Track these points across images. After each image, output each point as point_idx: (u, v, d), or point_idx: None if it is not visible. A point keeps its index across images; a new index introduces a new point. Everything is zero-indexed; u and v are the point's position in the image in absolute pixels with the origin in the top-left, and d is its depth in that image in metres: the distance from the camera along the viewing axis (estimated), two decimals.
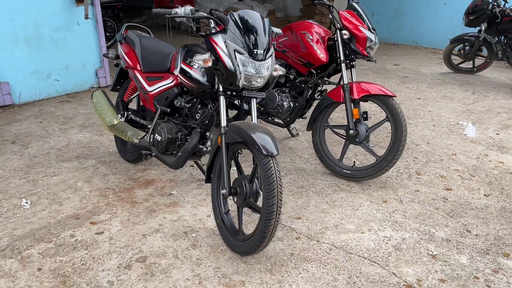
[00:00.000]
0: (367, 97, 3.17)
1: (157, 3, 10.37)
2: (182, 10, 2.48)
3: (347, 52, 3.27)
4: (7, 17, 4.59)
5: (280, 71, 2.61)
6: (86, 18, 5.08)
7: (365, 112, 3.28)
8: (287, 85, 3.63)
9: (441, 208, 2.88)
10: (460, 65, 6.55)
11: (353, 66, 3.37)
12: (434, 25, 8.33)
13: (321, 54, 3.30)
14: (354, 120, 3.20)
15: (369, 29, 3.22)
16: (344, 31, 3.19)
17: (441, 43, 7.95)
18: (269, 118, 3.76)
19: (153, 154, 2.89)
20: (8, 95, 4.74)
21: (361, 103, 3.28)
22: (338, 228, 2.64)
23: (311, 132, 3.44)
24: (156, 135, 2.82)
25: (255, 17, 2.41)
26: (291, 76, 3.58)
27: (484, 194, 3.07)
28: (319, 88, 3.65)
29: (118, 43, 3.33)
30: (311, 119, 3.39)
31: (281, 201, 2.15)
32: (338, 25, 3.25)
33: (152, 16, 11.19)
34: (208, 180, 2.58)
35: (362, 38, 3.18)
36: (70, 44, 5.17)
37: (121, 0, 7.67)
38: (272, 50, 2.43)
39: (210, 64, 2.37)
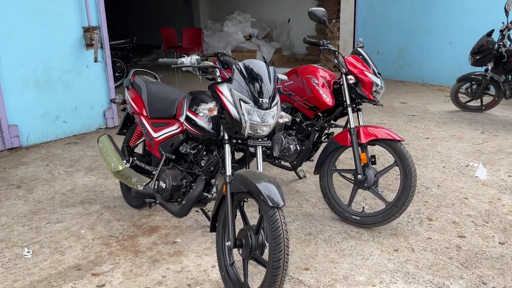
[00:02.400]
0: (375, 142, 3.13)
1: (166, 42, 10.59)
2: (188, 60, 2.49)
3: (353, 96, 3.26)
4: (19, 62, 4.68)
5: (286, 118, 2.59)
6: (96, 61, 5.17)
7: (373, 156, 3.23)
8: (294, 127, 3.61)
9: (454, 258, 2.77)
10: (468, 104, 6.52)
11: (359, 109, 3.35)
12: (440, 63, 8.37)
13: (327, 98, 3.29)
14: (362, 164, 3.14)
15: (375, 74, 3.22)
16: (349, 76, 3.18)
17: (448, 80, 7.97)
18: (276, 161, 3.72)
19: (158, 201, 2.84)
20: (16, 137, 4.77)
21: (368, 146, 3.24)
22: (348, 280, 2.53)
23: (318, 176, 3.38)
24: (161, 182, 2.79)
25: (260, 66, 2.41)
26: (298, 119, 3.56)
27: (499, 242, 2.96)
28: (326, 131, 3.62)
29: (125, 89, 3.35)
30: (318, 162, 3.34)
31: (288, 255, 2.08)
32: (344, 70, 3.25)
33: (163, 55, 11.41)
34: (213, 229, 2.51)
35: (368, 83, 3.17)
36: (79, 86, 5.24)
37: (130, 41, 7.84)
38: (277, 98, 2.42)
39: (215, 113, 2.35)
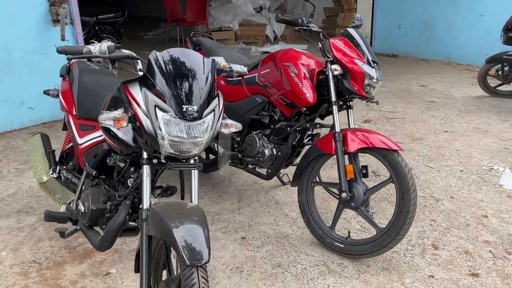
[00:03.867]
0: (366, 150, 2.44)
1: (170, 15, 9.88)
2: (97, 48, 1.84)
3: (340, 90, 2.55)
4: None
5: (233, 127, 1.92)
6: (63, 39, 4.56)
7: (364, 167, 2.54)
8: (272, 126, 2.93)
9: None
10: (498, 88, 5.63)
11: (349, 107, 2.63)
12: (469, 39, 7.39)
13: (308, 93, 2.58)
14: (348, 179, 2.46)
15: (369, 63, 2.48)
16: (334, 66, 2.46)
17: (477, 59, 7.02)
18: (249, 167, 3.06)
19: (78, 227, 2.25)
20: None
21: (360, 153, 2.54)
22: None
23: (296, 189, 2.72)
24: (80, 203, 2.19)
25: (190, 57, 1.74)
26: (276, 117, 2.87)
27: None
28: (310, 132, 2.93)
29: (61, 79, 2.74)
30: (297, 172, 2.67)
31: None
32: (329, 57, 2.53)
33: (168, 29, 10.72)
34: (137, 270, 1.91)
35: (359, 74, 2.45)
36: (47, 68, 4.66)
37: (121, 15, 7.17)
38: (215, 103, 1.75)
39: (125, 124, 1.71)
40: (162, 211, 1.64)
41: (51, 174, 2.56)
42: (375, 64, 2.51)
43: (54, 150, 2.67)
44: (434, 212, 3.00)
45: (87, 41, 6.98)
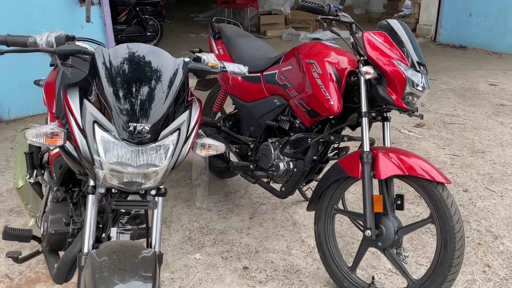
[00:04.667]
0: (401, 178, 1.90)
1: None
2: (44, 40, 1.44)
3: (375, 98, 2.00)
4: None
5: (213, 149, 1.46)
6: (88, 21, 4.27)
7: (400, 197, 1.99)
8: (291, 134, 2.43)
9: None
10: None
11: (386, 119, 2.07)
12: None
13: (332, 100, 2.05)
14: (376, 213, 1.93)
15: (413, 65, 1.91)
16: (366, 68, 1.91)
17: None
18: (263, 180, 2.59)
19: (41, 249, 1.90)
20: None
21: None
22: None
23: (313, 215, 2.22)
24: (40, 225, 1.84)
25: (152, 58, 1.31)
26: (296, 124, 2.37)
27: None
28: (336, 145, 2.40)
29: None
30: (314, 195, 2.18)
31: None
32: (362, 56, 1.98)
33: (218, 11, 10.33)
34: None
35: (398, 80, 1.88)
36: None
37: None
38: (182, 118, 1.31)
39: (60, 142, 1.31)
40: (99, 262, 1.23)
41: (28, 179, 2.24)
42: (422, 68, 1.93)
43: (33, 152, 2.35)
44: (490, 253, 2.38)
45: (127, 23, 6.76)
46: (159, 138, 1.24)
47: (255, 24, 9.02)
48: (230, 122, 2.96)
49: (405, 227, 1.96)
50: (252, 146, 2.59)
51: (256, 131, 2.58)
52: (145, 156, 1.22)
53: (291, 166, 2.34)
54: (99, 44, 2.70)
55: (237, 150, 2.77)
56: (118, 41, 6.69)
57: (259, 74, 2.55)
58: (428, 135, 3.93)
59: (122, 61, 1.26)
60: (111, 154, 1.20)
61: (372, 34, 1.95)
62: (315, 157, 2.32)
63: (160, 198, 1.44)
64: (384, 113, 2.06)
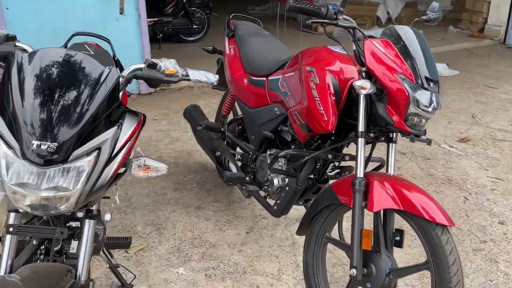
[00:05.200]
0: (398, 212, 1.62)
1: None
2: None
3: (373, 117, 1.72)
4: (31, 9, 4.03)
5: (154, 171, 1.30)
6: (121, 13, 4.25)
7: (400, 232, 1.71)
8: (292, 147, 2.21)
9: None
10: None
11: (391, 140, 1.78)
12: None
13: (325, 115, 1.79)
14: (364, 250, 1.67)
15: (420, 80, 1.60)
16: (360, 82, 1.63)
17: None
18: (260, 193, 2.38)
19: None
20: None
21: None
22: None
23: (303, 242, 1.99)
24: None
25: (71, 66, 1.15)
26: (296, 137, 2.13)
27: None
28: (336, 163, 2.13)
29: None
30: (305, 219, 1.95)
31: None
32: (362, 66, 1.70)
33: (273, 5, 10.10)
34: None
35: (399, 97, 1.59)
36: (104, 44, 4.42)
37: None
38: (105, 136, 1.14)
39: None
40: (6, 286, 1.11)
41: None
42: (432, 85, 1.62)
43: None
44: None
45: (173, 16, 6.74)
46: (69, 159, 1.09)
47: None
48: (240, 127, 2.77)
49: (399, 270, 1.68)
50: (251, 154, 2.40)
51: (257, 140, 2.38)
52: (51, 179, 1.08)
53: (285, 182, 2.12)
54: (106, 41, 2.64)
55: (240, 158, 2.59)
56: (164, 33, 6.71)
57: (264, 79, 2.34)
58: (471, 152, 3.49)
59: (37, 68, 1.12)
60: (11, 174, 1.07)
61: (374, 43, 1.67)
62: (312, 176, 2.08)
63: (91, 221, 1.29)
64: (390, 134, 1.78)
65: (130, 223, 2.59)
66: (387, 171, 1.78)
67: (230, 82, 2.61)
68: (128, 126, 1.21)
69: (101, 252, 1.94)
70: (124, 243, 1.94)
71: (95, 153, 1.12)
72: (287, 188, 2.08)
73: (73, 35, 2.53)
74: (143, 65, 1.38)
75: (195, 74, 1.46)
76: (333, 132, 1.87)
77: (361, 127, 1.71)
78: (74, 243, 1.54)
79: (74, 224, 1.53)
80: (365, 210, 1.67)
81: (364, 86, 1.62)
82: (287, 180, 2.13)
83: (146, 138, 3.71)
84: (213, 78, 1.50)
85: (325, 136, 2.00)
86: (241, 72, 2.52)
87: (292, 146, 2.20)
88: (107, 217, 1.93)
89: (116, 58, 2.54)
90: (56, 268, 1.26)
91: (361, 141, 1.71)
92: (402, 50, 1.64)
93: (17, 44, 1.33)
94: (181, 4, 6.61)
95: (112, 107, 1.16)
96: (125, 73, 1.36)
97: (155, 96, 4.78)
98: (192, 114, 2.89)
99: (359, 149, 1.71)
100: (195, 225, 2.58)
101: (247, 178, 2.33)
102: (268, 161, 2.19)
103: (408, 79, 1.59)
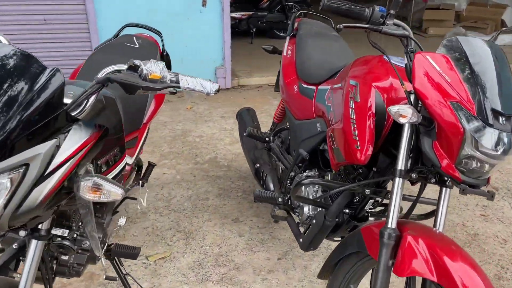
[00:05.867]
0: (431, 283, 1.24)
1: None
2: None
3: (418, 154, 1.33)
4: None
5: (106, 195, 1.10)
6: (204, 5, 4.17)
7: None
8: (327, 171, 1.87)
9: None
10: None
11: (444, 183, 1.36)
12: None
13: (358, 143, 1.44)
14: None
15: (484, 114, 1.16)
16: (397, 108, 1.24)
17: None
18: (291, 216, 2.07)
19: None
20: None
21: None
22: None
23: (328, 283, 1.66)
24: None
25: (7, 65, 0.98)
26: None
27: None
28: (378, 199, 1.74)
29: None
30: (329, 261, 1.61)
31: None
32: (409, 87, 1.31)
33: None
34: None
35: (451, 132, 1.18)
36: (188, 34, 4.40)
37: None
38: (36, 152, 0.97)
39: None
40: None
41: None
42: (503, 120, 1.17)
43: None
44: None
45: (269, 10, 6.56)
46: None
47: (418, 19, 7.90)
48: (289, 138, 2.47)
49: None
50: (292, 174, 2.10)
51: (297, 156, 2.07)
52: None
53: (316, 214, 1.79)
54: (157, 33, 2.53)
55: (281, 175, 2.31)
56: (257, 28, 6.58)
57: (313, 87, 2.03)
58: (507, 209, 2.75)
59: None
60: None
61: (428, 57, 1.26)
62: (347, 210, 1.72)
63: (38, 242, 1.13)
64: (444, 177, 1.36)
65: (162, 226, 2.46)
66: (434, 223, 1.37)
67: (282, 87, 2.33)
68: (74, 140, 1.03)
69: (113, 259, 1.85)
70: (130, 253, 1.81)
71: (21, 170, 0.96)
72: (314, 221, 1.75)
73: (124, 26, 2.46)
74: (125, 67, 1.18)
75: (187, 82, 1.22)
76: (371, 163, 1.51)
77: (400, 164, 1.32)
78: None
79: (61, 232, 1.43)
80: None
81: (404, 114, 1.23)
82: (317, 213, 1.80)
83: (208, 136, 3.59)
84: (210, 87, 1.25)
85: (368, 165, 1.63)
86: (293, 77, 2.23)
87: (333, 171, 1.86)
88: (121, 221, 1.81)
89: (165, 53, 2.41)
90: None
91: (398, 181, 1.33)
92: (465, 70, 1.22)
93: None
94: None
95: (52, 115, 0.98)
96: (101, 74, 1.18)
97: (231, 92, 4.65)
98: (243, 118, 2.67)
99: (394, 191, 1.33)
100: (226, 240, 2.36)
101: (280, 199, 2.03)
102: (306, 185, 1.88)
103: (465, 109, 1.17)
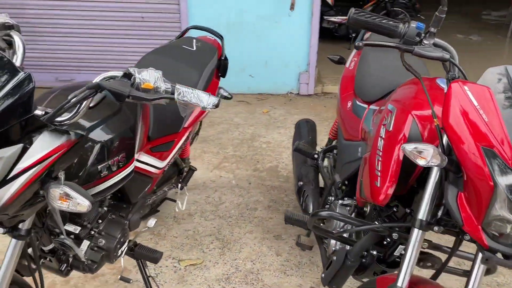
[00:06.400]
0: None
1: None
2: None
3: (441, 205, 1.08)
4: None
5: (74, 205, 1.08)
6: (292, 9, 4.06)
7: None
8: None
9: None
10: None
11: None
12: None
13: (378, 181, 1.22)
14: None
15: None
16: (415, 147, 1.01)
17: None
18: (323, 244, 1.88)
19: None
20: None
21: None
22: None
23: None
24: None
25: None
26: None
27: None
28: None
29: None
30: None
31: None
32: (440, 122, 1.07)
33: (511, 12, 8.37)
34: None
35: (480, 185, 0.93)
36: (274, 37, 4.33)
37: None
38: (1, 154, 0.96)
39: None
40: None
41: None
42: None
43: None
44: None
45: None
46: None
47: None
48: None
49: None
50: (332, 197, 1.90)
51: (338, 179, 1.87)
52: None
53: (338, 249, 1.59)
54: (218, 37, 2.50)
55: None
56: (358, 33, 6.26)
57: (365, 106, 1.82)
58: None
59: None
60: None
61: (466, 88, 1.01)
62: (375, 252, 1.49)
63: (18, 241, 1.14)
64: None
65: (203, 231, 2.43)
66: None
67: (338, 101, 2.14)
68: (42, 146, 1.00)
69: (138, 260, 1.86)
70: (152, 257, 1.80)
71: None
72: (335, 258, 1.55)
73: (188, 28, 2.47)
74: (120, 73, 1.15)
75: (183, 93, 1.14)
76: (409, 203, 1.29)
77: (422, 213, 1.10)
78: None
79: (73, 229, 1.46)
80: None
81: (425, 156, 1.00)
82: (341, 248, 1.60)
83: (276, 142, 3.49)
84: (207, 101, 1.15)
85: (405, 205, 1.40)
86: (350, 92, 2.03)
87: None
88: (150, 223, 1.81)
89: (223, 57, 2.36)
90: None
91: (417, 233, 1.10)
92: (509, 108, 0.95)
93: (11, 33, 1.25)
94: (383, 3, 6.02)
95: (18, 120, 0.97)
96: (96, 79, 1.15)
97: (313, 99, 4.47)
98: (300, 129, 2.52)
99: (411, 244, 1.11)
100: (261, 257, 2.25)
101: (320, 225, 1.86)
102: (338, 216, 1.68)
103: (500, 158, 0.91)
